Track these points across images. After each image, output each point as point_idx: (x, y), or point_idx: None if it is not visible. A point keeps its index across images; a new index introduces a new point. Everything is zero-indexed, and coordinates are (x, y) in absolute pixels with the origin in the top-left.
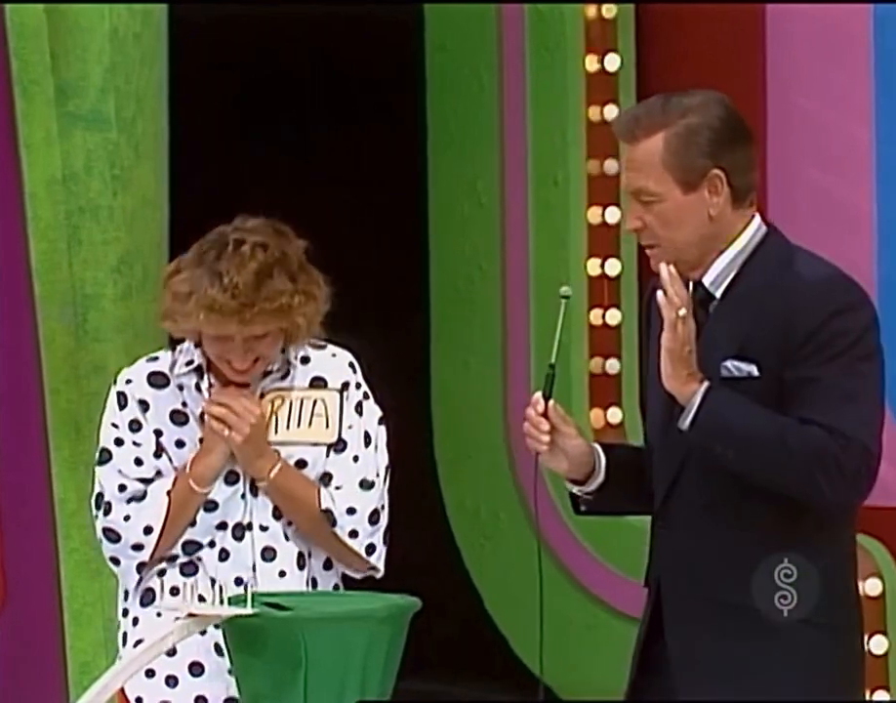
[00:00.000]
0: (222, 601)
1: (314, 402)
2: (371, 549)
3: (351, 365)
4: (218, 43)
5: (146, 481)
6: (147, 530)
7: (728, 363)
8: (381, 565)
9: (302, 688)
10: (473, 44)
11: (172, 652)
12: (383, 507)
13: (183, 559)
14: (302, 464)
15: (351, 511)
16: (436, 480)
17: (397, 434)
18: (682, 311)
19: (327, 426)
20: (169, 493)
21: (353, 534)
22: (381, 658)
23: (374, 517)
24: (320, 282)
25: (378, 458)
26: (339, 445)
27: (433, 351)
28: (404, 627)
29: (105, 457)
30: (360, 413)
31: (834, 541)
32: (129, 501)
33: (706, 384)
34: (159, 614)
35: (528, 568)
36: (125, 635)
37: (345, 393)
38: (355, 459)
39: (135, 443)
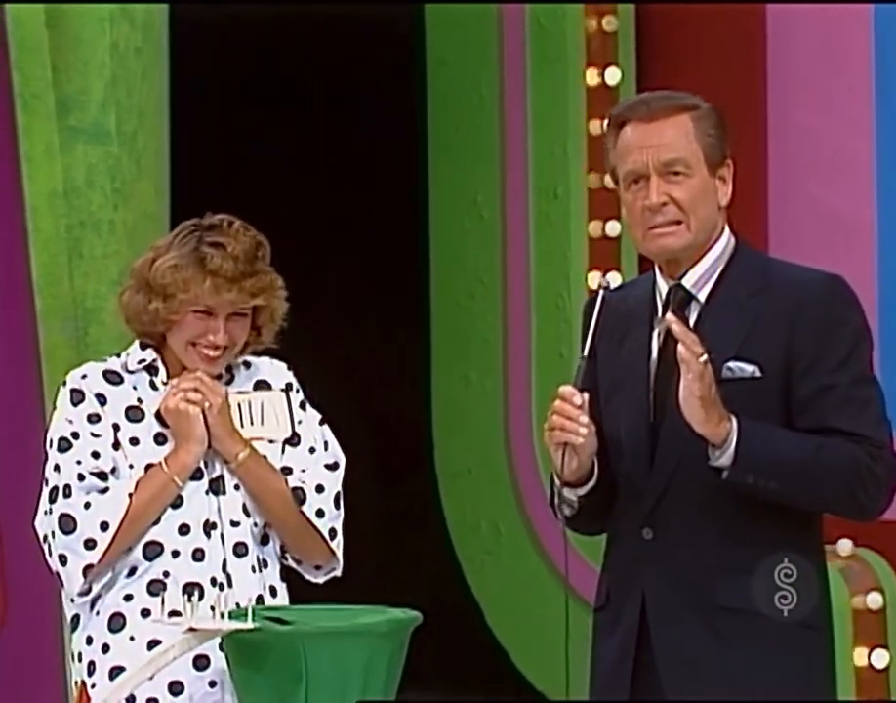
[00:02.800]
0: (223, 616)
1: (262, 403)
2: (333, 533)
3: (289, 369)
4: (218, 58)
5: (103, 475)
6: (104, 526)
7: (731, 364)
8: (339, 555)
9: None
10: (474, 58)
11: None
12: (343, 496)
13: (148, 576)
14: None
15: (320, 488)
16: (437, 494)
17: (399, 448)
18: (704, 357)
19: (278, 423)
20: (131, 495)
21: (320, 513)
22: (381, 672)
23: (337, 502)
24: None
25: (332, 451)
26: (293, 439)
27: (434, 364)
28: (405, 641)
29: (65, 446)
30: (305, 410)
31: (816, 541)
32: (89, 492)
33: (734, 420)
34: (132, 638)
35: (528, 582)
36: (91, 663)
37: (290, 393)
38: (311, 450)
39: (93, 435)
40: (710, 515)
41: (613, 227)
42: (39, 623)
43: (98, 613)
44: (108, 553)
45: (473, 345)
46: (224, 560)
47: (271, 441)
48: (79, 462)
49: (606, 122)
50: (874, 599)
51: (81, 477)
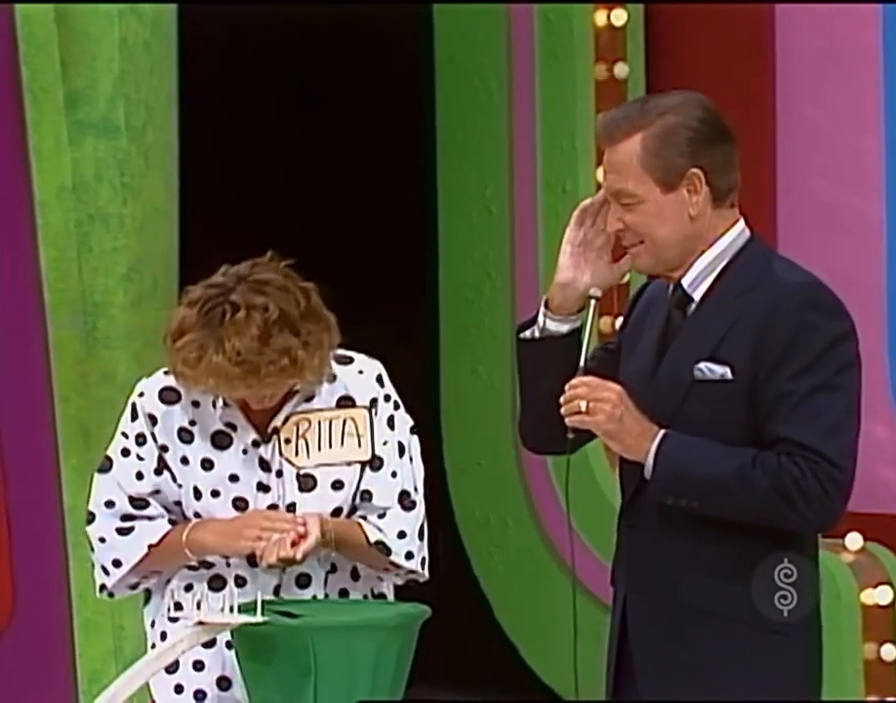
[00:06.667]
0: (232, 609)
1: (344, 421)
2: (423, 562)
3: (379, 379)
4: (227, 52)
5: (141, 502)
6: (116, 563)
7: (702, 365)
8: (426, 572)
9: (311, 697)
10: (483, 53)
11: (200, 667)
12: (425, 518)
13: (209, 572)
14: (338, 484)
15: (402, 534)
16: (446, 488)
17: None
18: (583, 404)
19: (359, 445)
20: (151, 546)
21: (409, 556)
22: (390, 666)
23: (421, 533)
24: (329, 321)
25: (414, 469)
26: (374, 462)
27: (443, 359)
28: (413, 635)
29: (106, 466)
30: (392, 427)
31: (798, 544)
32: (114, 526)
33: (657, 440)
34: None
35: (537, 576)
36: (153, 647)
37: (374, 410)
38: (393, 475)
39: (139, 457)
40: (679, 511)
41: None
42: (48, 620)
43: (162, 597)
44: (123, 581)
45: (481, 339)
46: (278, 586)
47: (349, 463)
48: (118, 484)
49: None
50: (883, 594)
51: (109, 504)
